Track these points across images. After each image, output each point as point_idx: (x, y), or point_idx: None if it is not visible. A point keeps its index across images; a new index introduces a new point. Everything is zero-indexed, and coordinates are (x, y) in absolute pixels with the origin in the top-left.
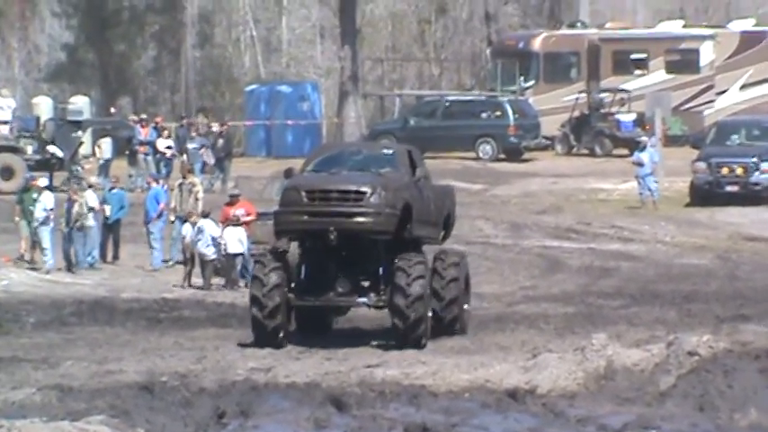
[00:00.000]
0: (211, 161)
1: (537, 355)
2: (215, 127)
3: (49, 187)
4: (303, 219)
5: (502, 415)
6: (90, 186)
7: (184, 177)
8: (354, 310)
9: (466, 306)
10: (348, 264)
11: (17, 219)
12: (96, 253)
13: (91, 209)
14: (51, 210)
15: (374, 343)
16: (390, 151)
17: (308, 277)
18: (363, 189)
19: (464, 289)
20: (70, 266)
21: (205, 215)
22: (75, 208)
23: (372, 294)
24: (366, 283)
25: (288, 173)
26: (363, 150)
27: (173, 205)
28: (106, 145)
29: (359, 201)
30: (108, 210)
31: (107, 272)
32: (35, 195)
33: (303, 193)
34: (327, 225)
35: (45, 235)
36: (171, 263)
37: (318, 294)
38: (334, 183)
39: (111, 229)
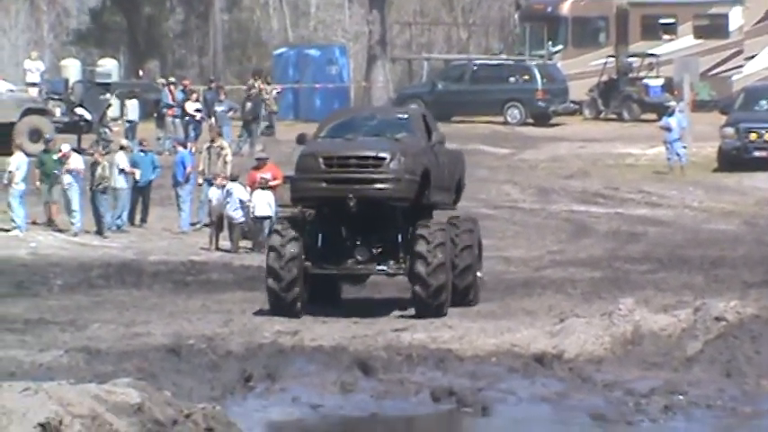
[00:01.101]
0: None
1: (564, 319)
2: (273, 90)
3: (77, 149)
4: (321, 186)
5: (529, 380)
6: (122, 148)
7: (213, 141)
8: (372, 278)
9: (479, 274)
10: (366, 231)
11: (38, 183)
12: (125, 215)
13: (122, 171)
14: (79, 172)
15: (396, 314)
16: (405, 115)
17: (325, 245)
18: (382, 155)
19: (477, 256)
20: (100, 229)
21: (233, 178)
22: (98, 170)
23: (392, 262)
24: (384, 251)
25: (300, 138)
26: (378, 115)
27: (200, 168)
28: (132, 107)
29: (378, 167)
30: (138, 173)
31: (135, 234)
32: (55, 157)
33: (321, 160)
34: (346, 192)
35: (74, 197)
36: (199, 226)
37: (337, 263)
38: (353, 149)
39: (141, 191)
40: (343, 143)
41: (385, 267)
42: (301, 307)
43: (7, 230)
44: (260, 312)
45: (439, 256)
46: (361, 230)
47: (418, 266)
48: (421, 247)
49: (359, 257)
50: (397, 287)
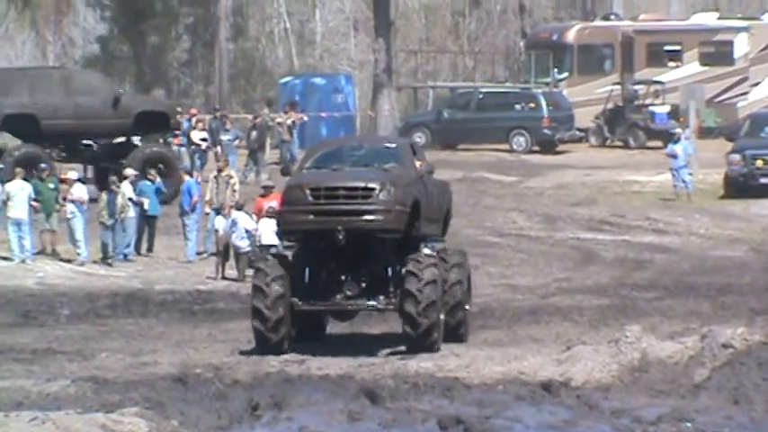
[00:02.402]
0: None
1: (571, 347)
2: (288, 119)
3: (82, 179)
4: (309, 218)
5: (536, 407)
6: (125, 178)
7: (220, 170)
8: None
9: (467, 307)
10: (355, 264)
11: (36, 213)
12: (132, 245)
13: (130, 200)
14: (82, 202)
15: (384, 352)
16: (393, 145)
17: (312, 280)
18: (372, 185)
19: (467, 291)
20: (107, 258)
21: (239, 207)
22: (119, 200)
23: (382, 297)
24: (374, 285)
25: (285, 170)
26: (364, 145)
27: (208, 197)
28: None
29: (367, 198)
30: (147, 202)
31: (141, 264)
32: (51, 186)
33: (307, 191)
34: (335, 224)
35: (77, 227)
36: (205, 255)
37: (325, 298)
38: (341, 179)
39: (147, 220)
40: (331, 174)
41: (375, 303)
42: (288, 346)
43: (9, 260)
44: None
45: (430, 295)
46: (350, 264)
47: (408, 306)
48: (411, 284)
49: (348, 292)
50: (382, 318)
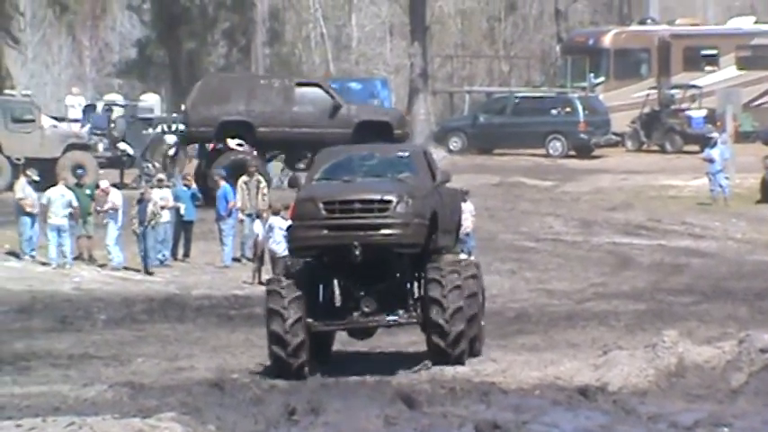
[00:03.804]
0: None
1: (607, 352)
2: None
3: (117, 185)
4: (323, 233)
5: (572, 412)
6: (160, 181)
7: (250, 176)
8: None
9: (482, 323)
10: (371, 280)
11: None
12: (168, 250)
13: (163, 207)
14: (116, 208)
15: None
16: (406, 153)
17: (327, 298)
18: (388, 197)
19: (482, 303)
20: (146, 267)
21: (276, 212)
22: (150, 207)
23: (401, 311)
24: (392, 299)
25: (293, 181)
26: (377, 154)
27: (240, 204)
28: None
29: (384, 211)
30: (183, 207)
31: (178, 269)
32: (88, 192)
33: (321, 205)
34: (351, 240)
35: (110, 232)
36: (242, 260)
37: (341, 317)
38: (356, 192)
39: (184, 226)
40: (344, 186)
41: (396, 318)
42: (309, 371)
43: (47, 265)
44: None
45: (456, 301)
46: (366, 279)
47: (434, 314)
48: (435, 292)
49: (365, 309)
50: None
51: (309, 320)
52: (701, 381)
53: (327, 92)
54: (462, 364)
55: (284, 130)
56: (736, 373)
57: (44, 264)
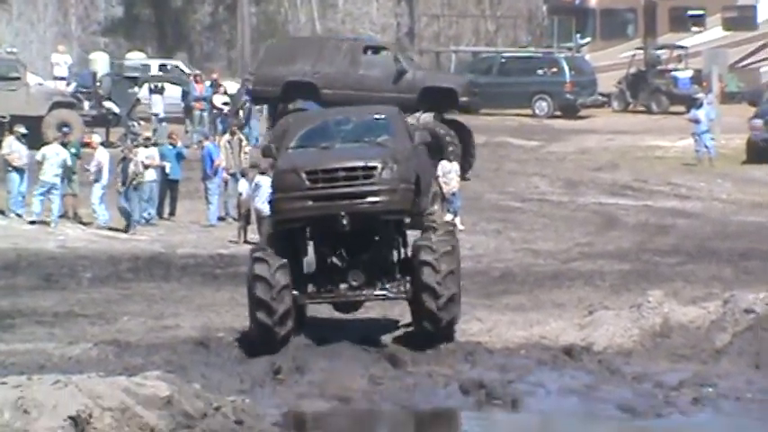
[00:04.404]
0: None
1: (593, 312)
2: None
3: (104, 143)
4: (307, 204)
5: (557, 372)
6: (147, 139)
7: (232, 134)
8: None
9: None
10: (357, 251)
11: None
12: (153, 209)
13: (148, 166)
14: (100, 165)
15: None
16: (383, 116)
17: (312, 270)
18: (373, 164)
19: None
20: (129, 227)
21: (262, 172)
22: (131, 167)
23: (390, 285)
24: (379, 271)
25: (267, 150)
26: (352, 118)
27: (224, 163)
28: (158, 101)
29: (369, 177)
30: (168, 166)
31: (163, 228)
32: (73, 150)
33: (304, 175)
34: (337, 209)
35: (93, 190)
36: (228, 219)
37: (328, 290)
38: (338, 159)
39: (169, 185)
40: (324, 153)
41: (385, 292)
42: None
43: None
44: None
45: (450, 287)
46: (352, 250)
47: (427, 300)
48: (429, 277)
49: (353, 282)
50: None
51: (295, 294)
52: (685, 341)
53: (395, 56)
54: (451, 339)
55: (348, 92)
56: (720, 333)
57: (32, 223)
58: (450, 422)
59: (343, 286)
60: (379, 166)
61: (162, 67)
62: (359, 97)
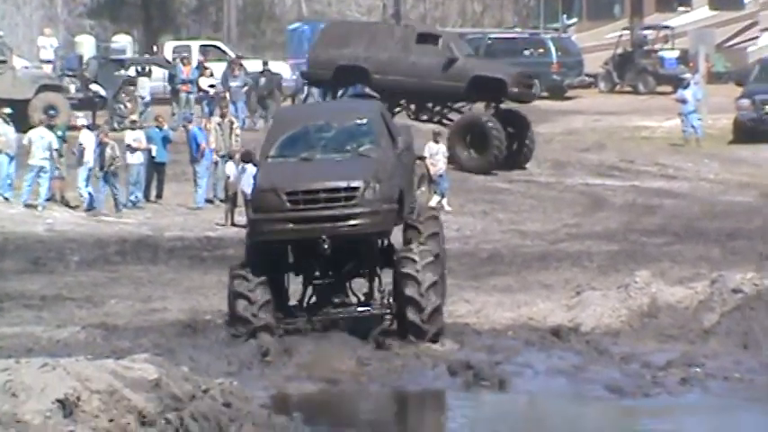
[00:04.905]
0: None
1: (580, 292)
2: None
3: (90, 126)
4: (288, 227)
5: (545, 353)
6: (133, 122)
7: (223, 116)
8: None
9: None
10: (338, 270)
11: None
12: (140, 192)
13: (135, 149)
14: (84, 148)
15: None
16: (364, 120)
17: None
18: (354, 184)
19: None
20: (116, 207)
21: (246, 159)
22: (108, 152)
23: (373, 300)
24: (361, 288)
25: (247, 156)
26: (334, 123)
27: (214, 145)
28: (144, 84)
29: (351, 199)
30: (154, 148)
31: (150, 210)
32: (60, 133)
33: (284, 197)
34: (318, 233)
35: (80, 173)
36: (215, 202)
37: (309, 311)
38: (319, 179)
39: (156, 167)
40: (307, 170)
41: (369, 308)
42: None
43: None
44: None
45: (435, 300)
46: (333, 270)
47: (411, 314)
48: (412, 290)
49: (336, 300)
50: None
51: (279, 315)
52: (673, 321)
53: (447, 43)
54: (436, 341)
55: (398, 78)
56: (708, 313)
57: (28, 206)
58: (438, 403)
59: (325, 307)
60: (362, 186)
61: (203, 48)
62: (409, 84)
